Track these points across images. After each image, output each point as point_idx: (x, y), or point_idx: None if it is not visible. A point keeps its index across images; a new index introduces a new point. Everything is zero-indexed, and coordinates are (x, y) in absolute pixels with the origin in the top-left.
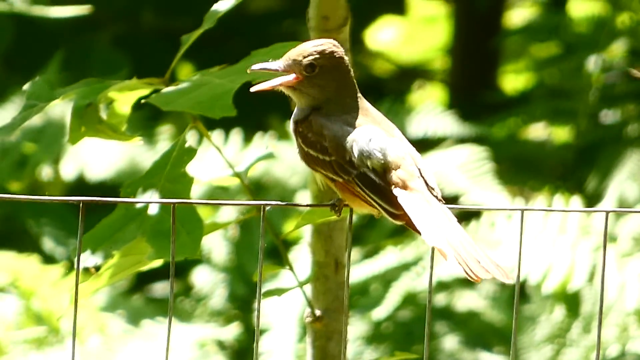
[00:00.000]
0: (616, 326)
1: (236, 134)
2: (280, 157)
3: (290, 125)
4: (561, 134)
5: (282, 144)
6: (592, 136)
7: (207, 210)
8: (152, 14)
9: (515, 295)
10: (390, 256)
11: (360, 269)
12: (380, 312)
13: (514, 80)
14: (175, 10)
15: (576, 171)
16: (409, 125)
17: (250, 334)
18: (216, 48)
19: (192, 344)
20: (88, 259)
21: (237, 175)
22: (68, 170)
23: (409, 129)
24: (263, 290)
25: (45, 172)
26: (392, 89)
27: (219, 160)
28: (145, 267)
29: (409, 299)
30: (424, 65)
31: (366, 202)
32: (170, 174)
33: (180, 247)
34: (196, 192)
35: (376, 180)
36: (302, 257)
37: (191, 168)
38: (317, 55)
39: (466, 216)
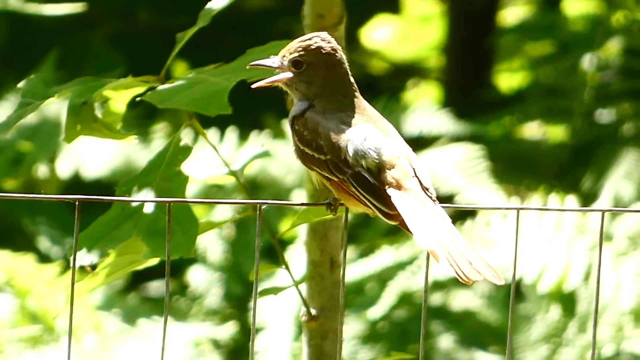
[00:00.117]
0: (611, 326)
1: (232, 132)
2: (276, 156)
3: (288, 122)
4: (556, 132)
5: (278, 142)
6: (588, 135)
7: (202, 209)
8: (147, 12)
9: (511, 295)
10: (385, 255)
11: (356, 268)
12: (375, 312)
13: (509, 78)
14: (170, 8)
15: (571, 170)
16: (403, 124)
17: (246, 333)
18: (211, 46)
19: (187, 343)
20: (84, 257)
21: (232, 173)
22: (63, 168)
23: (404, 128)
24: (259, 289)
25: (41, 170)
26: (387, 87)
27: (215, 158)
28: (141, 266)
29: (405, 299)
30: (419, 64)
31: (360, 201)
32: (165, 172)
33: (176, 246)
34: (191, 191)
35: (370, 179)
36: (297, 256)
37: (186, 166)
38: (303, 52)
39: (461, 215)
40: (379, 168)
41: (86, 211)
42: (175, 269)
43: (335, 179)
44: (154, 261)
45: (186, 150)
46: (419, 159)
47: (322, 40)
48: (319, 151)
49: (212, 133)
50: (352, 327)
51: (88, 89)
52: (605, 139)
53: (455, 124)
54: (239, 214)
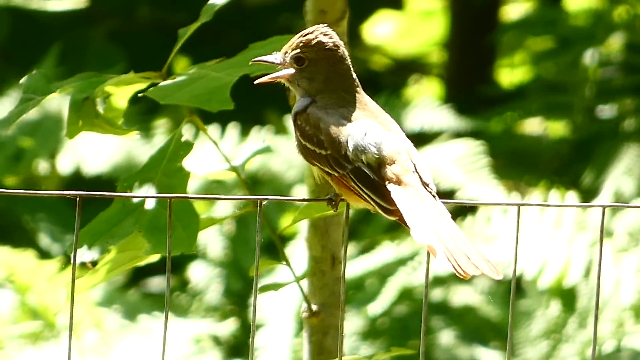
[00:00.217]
0: (612, 321)
1: (233, 128)
2: (277, 151)
3: (290, 118)
4: (557, 128)
5: (279, 138)
6: (589, 131)
7: (203, 205)
8: (148, 8)
9: (512, 291)
10: (386, 251)
11: (357, 264)
12: (376, 307)
13: (510, 74)
14: (171, 4)
15: (572, 166)
16: (405, 120)
17: (246, 329)
18: (213, 42)
19: (188, 339)
20: (85, 253)
21: (233, 169)
22: (64, 164)
23: (405, 123)
24: (259, 285)
25: (42, 166)
26: (388, 83)
27: (216, 154)
28: (142, 262)
29: (405, 294)
30: (420, 60)
31: (360, 197)
32: (166, 168)
33: (177, 242)
34: (192, 187)
35: (370, 175)
36: (298, 252)
37: (188, 162)
38: (304, 48)
39: (462, 211)
40: (379, 163)
41: (87, 207)
42: (175, 265)
43: (336, 174)
44: (155, 257)
45: (187, 146)
46: (420, 154)
47: (324, 35)
48: (320, 146)
49: (213, 129)
50: (352, 323)
51: (90, 85)
52: (606, 134)
53: (456, 120)
54: (240, 210)
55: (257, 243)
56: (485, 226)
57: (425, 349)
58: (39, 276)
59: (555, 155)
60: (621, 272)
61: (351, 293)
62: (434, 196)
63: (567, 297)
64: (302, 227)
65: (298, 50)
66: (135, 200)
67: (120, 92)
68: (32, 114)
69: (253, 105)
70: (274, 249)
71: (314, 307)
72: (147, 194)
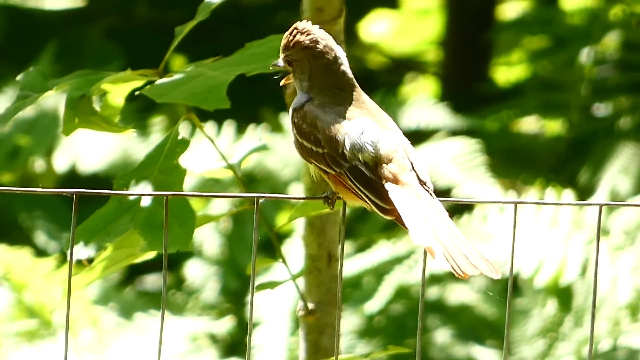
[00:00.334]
0: (608, 320)
1: (229, 126)
2: (273, 149)
3: (289, 115)
4: (553, 126)
5: (275, 136)
6: (585, 129)
7: (199, 203)
8: (145, 6)
9: (509, 289)
10: (383, 249)
11: (353, 263)
12: (372, 306)
13: (506, 72)
14: (168, 2)
15: (568, 164)
16: (401, 118)
17: (243, 328)
18: (210, 40)
19: (184, 338)
20: (81, 251)
21: (230, 167)
22: (61, 162)
23: (402, 122)
24: (256, 283)
25: (38, 164)
26: (384, 82)
27: (212, 152)
28: (138, 260)
29: (402, 293)
30: (416, 58)
31: (357, 195)
32: (163, 166)
33: (173, 239)
34: (188, 184)
35: (367, 173)
36: (294, 250)
37: (184, 160)
38: (287, 51)
39: (458, 209)
40: (376, 162)
41: (83, 205)
42: (171, 263)
43: (333, 173)
44: (151, 255)
45: (184, 144)
46: (417, 152)
47: (302, 33)
48: (317, 144)
49: (210, 126)
50: (349, 322)
51: (86, 82)
52: (602, 133)
53: (452, 118)
54: (236, 208)
55: (253, 241)
56: (481, 224)
57: (422, 348)
58: (35, 274)
59: (552, 154)
60: (617, 271)
61: (347, 291)
62: (431, 194)
63: (564, 295)
64: (299, 225)
65: (283, 55)
66: (131, 197)
67: (117, 90)
68: (28, 111)
69: (249, 104)
70: (271, 247)
71: (310, 306)
72: (143, 192)
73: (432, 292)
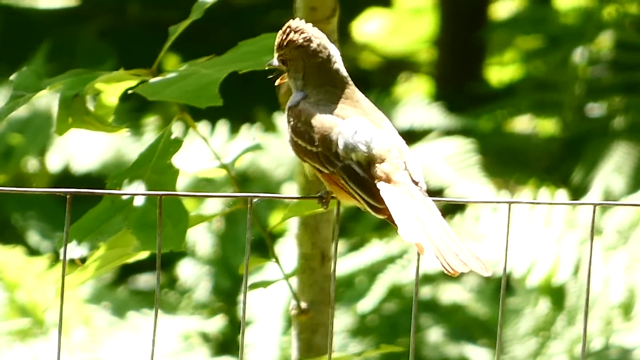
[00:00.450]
0: (600, 319)
1: (222, 126)
2: (267, 149)
3: (284, 112)
4: (547, 126)
5: (269, 135)
6: (578, 129)
7: (192, 202)
8: (139, 5)
9: (502, 288)
10: (376, 249)
11: (346, 262)
12: (365, 305)
13: (500, 72)
14: (161, 2)
15: (562, 164)
16: (395, 117)
17: (235, 327)
18: (203, 39)
19: (176, 336)
20: (74, 250)
21: (223, 166)
22: (54, 162)
23: (395, 121)
24: (248, 282)
25: (31, 164)
26: (378, 81)
27: (206, 151)
28: (131, 259)
29: (395, 292)
30: (410, 57)
31: (350, 194)
32: (156, 165)
33: (166, 239)
34: (181, 184)
35: (360, 172)
36: (288, 250)
37: (177, 159)
38: (281, 50)
39: (451, 209)
40: (369, 161)
41: (77, 205)
42: (164, 263)
43: (326, 172)
44: (144, 254)
45: (177, 143)
46: (411, 151)
47: (295, 32)
48: (311, 143)
49: (203, 126)
50: (341, 321)
51: (80, 82)
52: (595, 132)
53: (446, 118)
54: (230, 207)
55: (247, 240)
56: (474, 224)
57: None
58: (28, 273)
59: (545, 153)
60: (610, 270)
61: (340, 290)
62: (423, 194)
63: (556, 295)
64: (292, 225)
65: (277, 55)
66: (124, 197)
67: (111, 90)
68: (21, 111)
69: (243, 103)
70: (264, 246)
71: (303, 305)
72: (136, 191)
73: (425, 292)
